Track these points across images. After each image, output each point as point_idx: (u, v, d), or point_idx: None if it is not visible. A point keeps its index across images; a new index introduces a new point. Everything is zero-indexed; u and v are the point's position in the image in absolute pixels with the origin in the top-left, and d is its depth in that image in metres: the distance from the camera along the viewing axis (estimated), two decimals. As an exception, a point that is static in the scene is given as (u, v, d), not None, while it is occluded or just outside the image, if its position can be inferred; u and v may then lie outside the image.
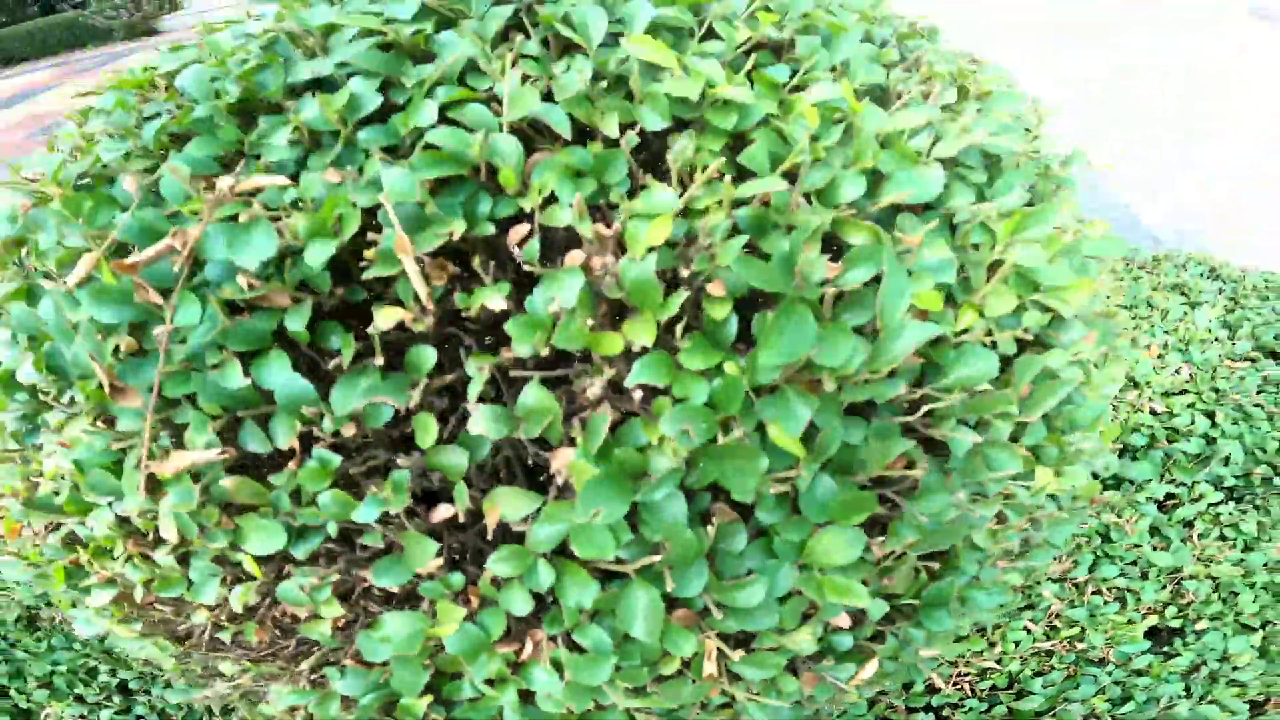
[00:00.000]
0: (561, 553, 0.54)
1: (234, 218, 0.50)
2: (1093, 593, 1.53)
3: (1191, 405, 1.80)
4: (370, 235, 0.50)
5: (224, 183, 0.51)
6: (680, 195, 0.48)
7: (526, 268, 0.48)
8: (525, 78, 0.53)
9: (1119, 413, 1.74)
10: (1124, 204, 4.63)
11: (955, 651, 1.45)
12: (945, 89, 0.68)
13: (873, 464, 0.53)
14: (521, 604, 0.54)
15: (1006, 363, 0.64)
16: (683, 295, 0.46)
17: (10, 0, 21.52)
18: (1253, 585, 1.53)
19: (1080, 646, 1.48)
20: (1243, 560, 1.56)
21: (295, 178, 0.54)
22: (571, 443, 0.50)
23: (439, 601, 0.55)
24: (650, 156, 0.56)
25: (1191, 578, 1.56)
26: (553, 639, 0.59)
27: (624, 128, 0.52)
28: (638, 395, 0.50)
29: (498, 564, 0.53)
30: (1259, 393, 1.86)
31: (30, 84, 12.06)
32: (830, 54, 0.63)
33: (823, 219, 0.50)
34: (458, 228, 0.46)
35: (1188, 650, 1.46)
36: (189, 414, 0.52)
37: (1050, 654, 1.48)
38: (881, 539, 0.61)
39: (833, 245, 0.53)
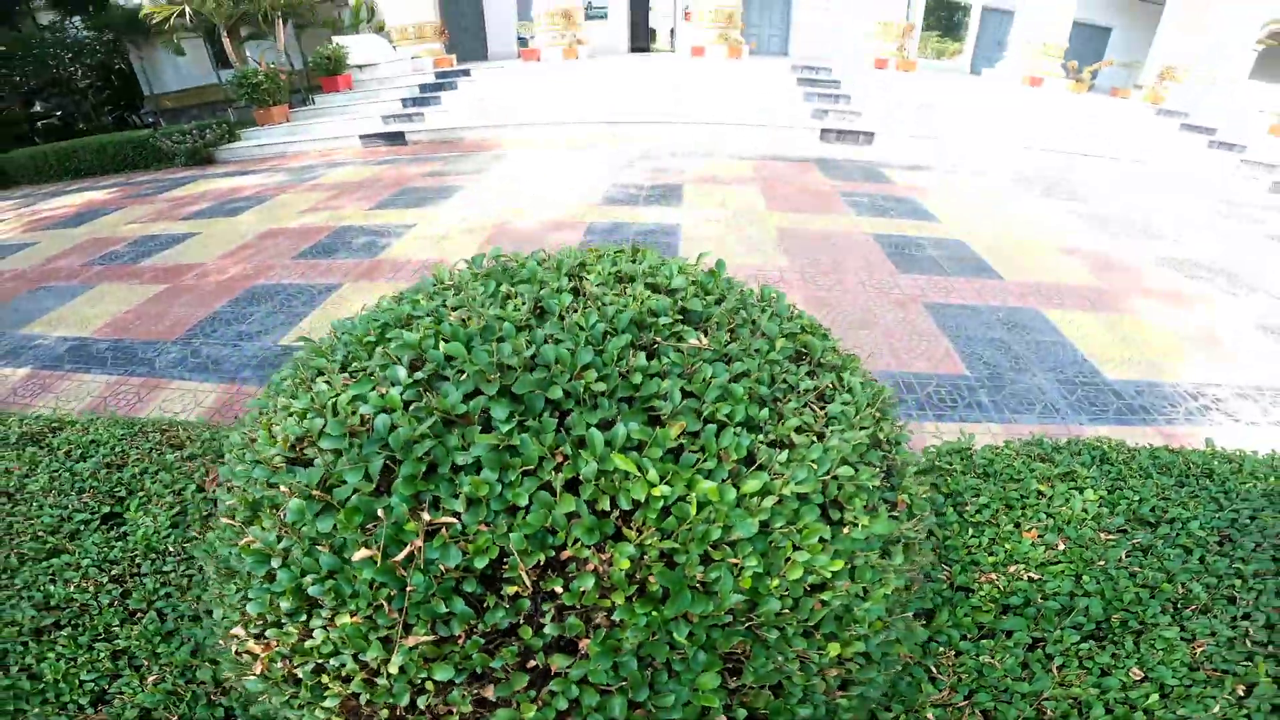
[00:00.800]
0: (582, 681, 1.27)
1: (434, 532, 1.26)
2: (968, 714, 2.17)
3: (1061, 572, 2.40)
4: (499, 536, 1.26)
5: (425, 516, 1.27)
6: (638, 538, 1.24)
7: (570, 571, 1.24)
8: (567, 483, 1.29)
9: (999, 581, 2.42)
10: (1085, 359, 5.35)
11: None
12: (777, 454, 1.43)
13: (724, 646, 1.27)
14: (564, 704, 1.27)
15: (819, 588, 1.39)
16: (634, 585, 1.21)
17: (91, 108, 23.72)
18: (1107, 702, 2.06)
19: (956, 753, 2.12)
20: (1099, 683, 2.09)
21: (458, 515, 1.29)
22: (588, 637, 1.24)
23: (524, 704, 1.27)
24: (626, 514, 1.32)
25: (1051, 698, 2.10)
26: (576, 723, 1.32)
27: (613, 502, 1.27)
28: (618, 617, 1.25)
29: (554, 685, 1.26)
30: (1127, 556, 2.51)
31: (91, 202, 12.94)
32: (720, 440, 1.39)
33: (701, 548, 1.25)
34: (541, 558, 1.22)
35: (1047, 751, 2.07)
36: (414, 619, 1.27)
37: (933, 758, 2.13)
38: (737, 679, 1.34)
39: (708, 557, 1.28)
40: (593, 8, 23.69)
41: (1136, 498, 2.75)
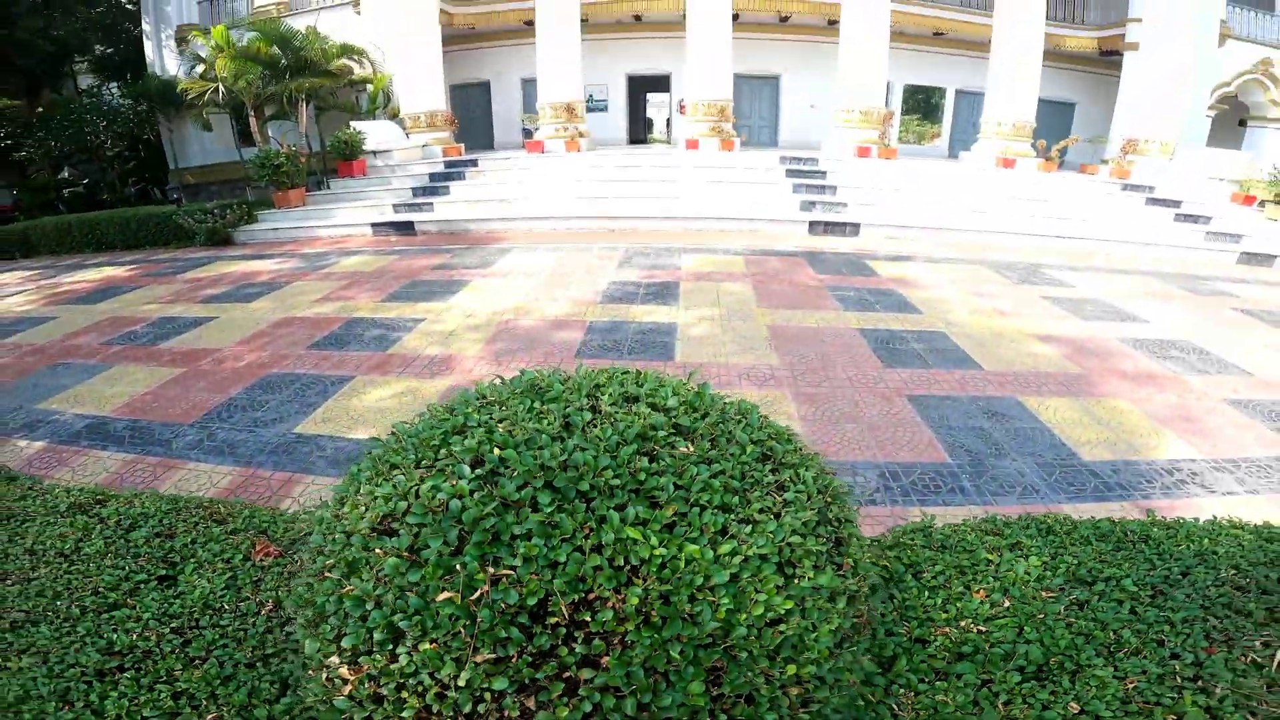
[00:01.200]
0: (603, 688, 1.79)
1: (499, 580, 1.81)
2: (923, 742, 2.63)
3: (1006, 624, 2.85)
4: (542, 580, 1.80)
5: (490, 569, 1.82)
6: (644, 584, 1.79)
7: (595, 606, 1.80)
8: (593, 546, 1.85)
9: (951, 634, 2.91)
10: (1063, 443, 5.80)
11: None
12: (744, 528, 1.99)
13: (706, 661, 1.81)
14: (589, 707, 1.80)
15: (776, 622, 1.93)
16: (641, 616, 1.76)
17: (116, 178, 25.28)
18: (1048, 732, 2.51)
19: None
20: (1040, 716, 2.39)
21: (514, 568, 1.84)
22: (608, 654, 1.78)
23: (559, 707, 1.79)
24: (635, 567, 1.87)
25: (998, 727, 2.61)
26: (596, 729, 1.84)
27: (626, 560, 1.83)
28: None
29: (582, 691, 1.79)
30: (1065, 609, 2.94)
31: (111, 278, 13.46)
32: (702, 519, 1.96)
33: (689, 591, 1.80)
34: (575, 598, 1.78)
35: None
36: (481, 643, 1.80)
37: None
38: (718, 689, 1.87)
39: (693, 597, 1.83)
40: (593, 100, 24.96)
41: (1075, 561, 3.19)
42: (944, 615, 2.95)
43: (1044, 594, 3.05)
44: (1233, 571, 3.07)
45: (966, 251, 13.89)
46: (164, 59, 25.26)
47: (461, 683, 1.80)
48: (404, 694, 1.89)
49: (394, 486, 2.10)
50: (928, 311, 9.30)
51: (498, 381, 2.62)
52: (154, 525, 3.78)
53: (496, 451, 2.04)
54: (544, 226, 15.77)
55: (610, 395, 2.43)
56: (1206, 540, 3.38)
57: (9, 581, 3.29)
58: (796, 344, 7.89)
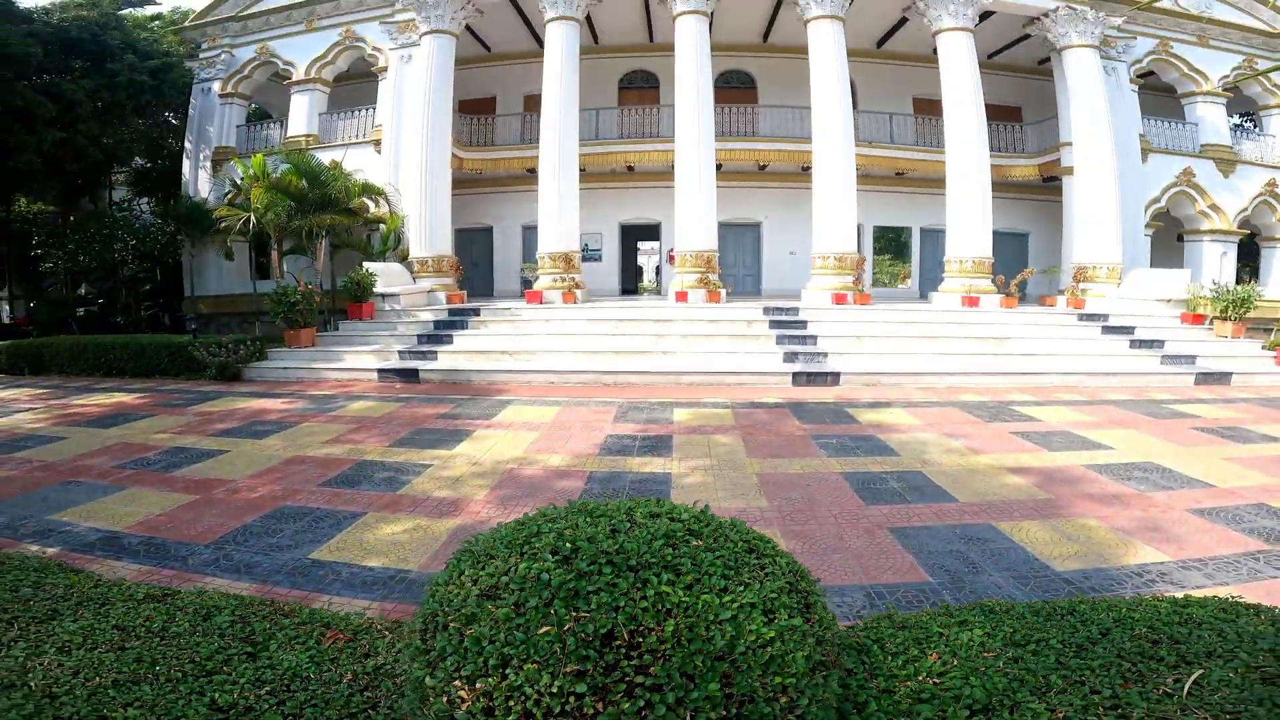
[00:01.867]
0: (651, 688, 2.82)
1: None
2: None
3: (954, 676, 3.59)
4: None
5: (573, 613, 2.89)
6: (674, 619, 2.88)
7: (645, 632, 2.88)
8: (642, 597, 2.94)
9: (911, 685, 3.89)
10: (1036, 559, 6.59)
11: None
12: (739, 587, 3.09)
13: (719, 669, 2.84)
14: (641, 704, 2.79)
15: (763, 646, 2.99)
16: (675, 638, 2.85)
17: (130, 300, 26.36)
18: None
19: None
20: None
21: (590, 610, 2.90)
22: (655, 664, 2.84)
23: (622, 702, 2.80)
24: (669, 609, 2.95)
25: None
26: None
27: (663, 604, 2.91)
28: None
29: (637, 692, 2.82)
30: (1003, 664, 3.68)
31: (122, 405, 14.24)
32: (710, 581, 3.04)
33: (704, 623, 2.88)
34: (632, 627, 2.85)
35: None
36: (568, 661, 2.84)
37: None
38: (730, 689, 2.91)
39: (708, 627, 2.91)
40: (588, 250, 26.87)
41: (1012, 630, 4.01)
42: (904, 672, 3.81)
43: (985, 654, 3.88)
44: (1146, 629, 3.87)
45: (939, 394, 15.26)
46: (199, 179, 26.51)
47: (555, 690, 2.77)
48: (510, 702, 2.83)
49: (494, 568, 3.18)
50: (905, 454, 10.36)
51: (552, 507, 3.76)
52: (229, 615, 4.25)
53: (569, 545, 3.14)
54: (543, 380, 17.04)
55: (641, 513, 3.55)
56: (1126, 610, 4.19)
57: (101, 649, 3.69)
58: (784, 489, 8.63)
